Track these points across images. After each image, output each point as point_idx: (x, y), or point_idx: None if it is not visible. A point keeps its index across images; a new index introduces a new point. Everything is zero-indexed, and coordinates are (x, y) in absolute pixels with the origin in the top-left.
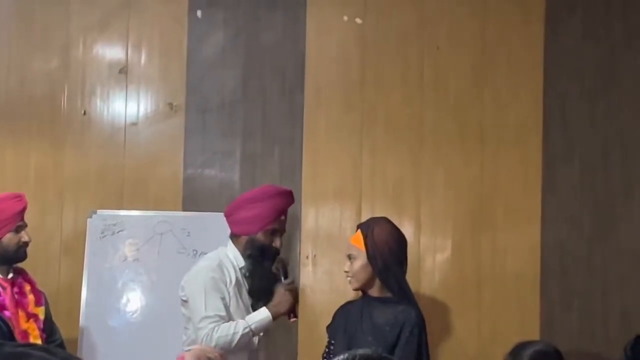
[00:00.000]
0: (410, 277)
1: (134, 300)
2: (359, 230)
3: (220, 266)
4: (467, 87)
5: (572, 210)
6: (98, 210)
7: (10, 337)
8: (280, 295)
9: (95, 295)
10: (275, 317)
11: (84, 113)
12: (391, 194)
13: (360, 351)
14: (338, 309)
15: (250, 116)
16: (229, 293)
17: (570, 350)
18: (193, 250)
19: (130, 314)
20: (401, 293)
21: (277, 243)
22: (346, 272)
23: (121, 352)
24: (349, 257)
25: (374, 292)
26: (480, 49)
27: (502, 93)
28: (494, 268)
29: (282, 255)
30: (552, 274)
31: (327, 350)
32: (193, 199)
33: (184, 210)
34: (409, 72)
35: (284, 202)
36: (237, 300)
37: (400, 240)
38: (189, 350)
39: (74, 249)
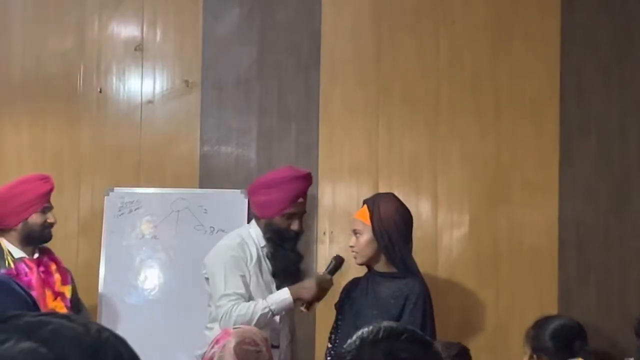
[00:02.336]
0: (427, 253)
1: (151, 278)
2: (364, 206)
3: (242, 244)
4: (483, 61)
5: (589, 183)
6: (115, 188)
7: (36, 309)
8: (309, 283)
9: (113, 273)
10: (295, 299)
11: (100, 91)
12: (407, 169)
13: (385, 323)
14: (345, 286)
15: (266, 93)
16: (249, 271)
17: (588, 325)
18: (210, 227)
19: (148, 291)
20: (405, 268)
21: (295, 226)
22: (351, 247)
23: (139, 330)
24: (355, 232)
25: (379, 267)
26: (496, 23)
27: (518, 66)
28: (511, 243)
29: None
30: (569, 248)
31: (334, 326)
32: (210, 176)
33: (200, 187)
34: (425, 46)
35: (301, 186)
36: (258, 278)
37: (405, 216)
38: (237, 328)
39: (92, 227)
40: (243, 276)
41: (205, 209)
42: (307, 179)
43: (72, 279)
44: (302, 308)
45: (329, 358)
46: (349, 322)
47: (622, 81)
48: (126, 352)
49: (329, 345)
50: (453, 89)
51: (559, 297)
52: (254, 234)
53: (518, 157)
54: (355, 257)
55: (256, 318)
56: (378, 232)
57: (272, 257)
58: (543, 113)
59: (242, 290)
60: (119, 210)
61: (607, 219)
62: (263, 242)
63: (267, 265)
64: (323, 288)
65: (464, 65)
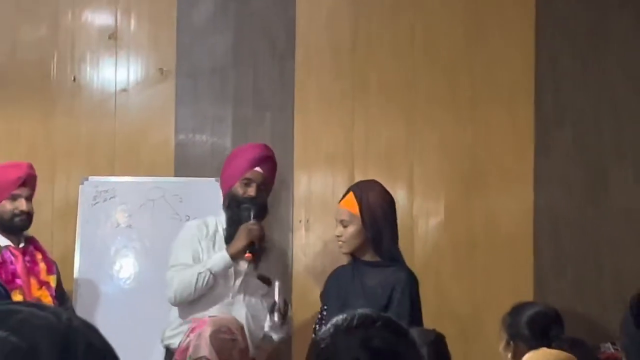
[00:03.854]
0: (403, 241)
1: (127, 267)
2: (350, 194)
3: (200, 224)
4: (459, 51)
5: (565, 172)
6: (90, 177)
7: (8, 299)
8: (238, 232)
9: (88, 262)
10: (232, 255)
11: (74, 80)
12: (383, 158)
13: (360, 311)
14: (330, 275)
15: (241, 81)
16: (202, 247)
17: (564, 311)
18: (186, 215)
19: (124, 280)
20: (392, 257)
21: (250, 192)
22: (338, 236)
23: (115, 319)
24: (342, 222)
25: (365, 256)
26: (471, 13)
27: (493, 56)
28: (487, 231)
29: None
30: (545, 236)
31: (319, 316)
32: (185, 164)
33: (176, 175)
34: (400, 36)
35: (256, 154)
36: (209, 252)
37: (392, 204)
38: (213, 317)
39: (66, 216)
40: (194, 250)
41: (180, 198)
42: (263, 149)
43: (57, 269)
44: (245, 256)
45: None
46: (335, 312)
47: (597, 71)
48: (97, 340)
49: (314, 337)
50: (429, 79)
51: (535, 285)
52: (220, 218)
53: (493, 146)
54: (341, 247)
55: (195, 280)
56: (368, 222)
57: (227, 223)
58: (518, 102)
59: (189, 262)
60: (94, 199)
61: (582, 207)
62: (224, 222)
63: (223, 242)
64: (253, 229)
65: (439, 55)
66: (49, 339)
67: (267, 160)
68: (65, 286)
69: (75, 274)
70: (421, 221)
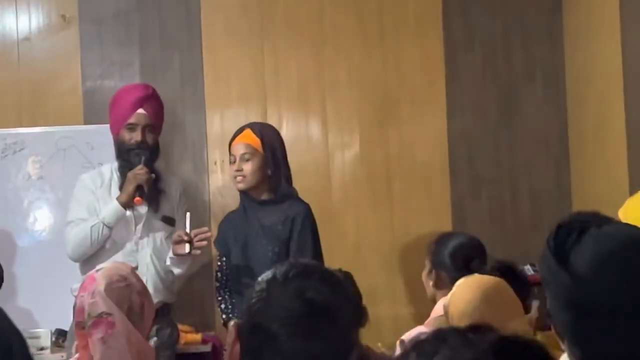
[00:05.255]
0: (319, 176)
1: (41, 219)
2: (248, 131)
3: (93, 174)
4: None
5: (477, 98)
6: None
7: None
8: (126, 180)
9: (1, 216)
10: (122, 203)
11: None
12: (296, 93)
13: (297, 261)
14: (221, 222)
15: (147, 24)
16: (97, 198)
17: (482, 236)
18: (98, 163)
19: (39, 232)
20: (287, 193)
21: (136, 137)
22: (238, 171)
23: (32, 271)
24: (243, 155)
25: (259, 194)
26: None
27: None
28: (403, 161)
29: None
30: (460, 162)
31: (219, 264)
32: (94, 111)
33: (85, 124)
34: None
35: (136, 95)
36: (106, 201)
37: (284, 144)
38: (99, 270)
39: None
40: (89, 203)
41: (92, 146)
42: (143, 89)
43: None
44: (135, 201)
45: (219, 297)
46: (236, 256)
47: None
48: (2, 325)
49: (217, 285)
50: (336, 11)
51: (452, 212)
52: (115, 163)
53: (404, 74)
54: (240, 182)
55: (89, 234)
56: (269, 158)
57: (120, 171)
58: (427, 29)
59: (85, 216)
60: (3, 152)
61: (496, 132)
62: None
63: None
64: (138, 178)
65: None
66: None
67: (149, 99)
68: None
69: None
70: (337, 154)
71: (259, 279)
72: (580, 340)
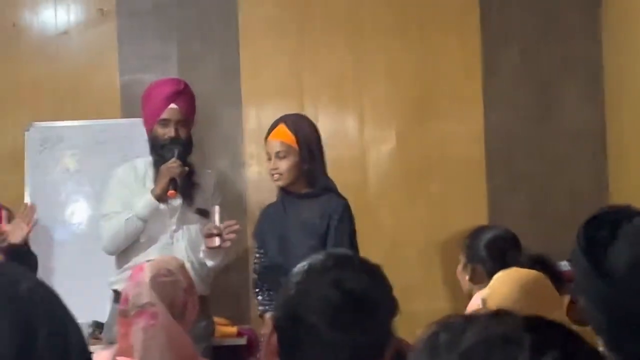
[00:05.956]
0: (355, 171)
1: (78, 212)
2: (282, 126)
3: (127, 166)
4: None
5: (514, 92)
6: (35, 123)
7: None
8: (159, 173)
9: (39, 209)
10: (156, 196)
11: (14, 25)
12: (332, 88)
13: (332, 251)
14: (260, 214)
15: (185, 18)
16: (130, 191)
17: (519, 232)
18: (136, 156)
19: (76, 225)
20: (325, 187)
21: (169, 132)
22: (275, 169)
23: (70, 264)
24: (277, 154)
25: (298, 188)
26: None
27: None
28: (439, 156)
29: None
30: (496, 157)
31: (257, 256)
32: (132, 105)
33: (123, 117)
34: None
35: (168, 91)
36: (141, 194)
37: (319, 135)
38: (150, 261)
39: (13, 164)
40: (123, 197)
41: (129, 139)
42: (175, 84)
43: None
44: (168, 194)
45: (257, 289)
46: (274, 249)
47: None
48: (60, 318)
49: (254, 276)
50: (375, 5)
51: (489, 207)
52: (149, 158)
53: (442, 69)
54: (277, 180)
55: (124, 228)
56: (305, 154)
57: (154, 166)
58: (465, 24)
59: (119, 210)
60: (41, 145)
61: (533, 127)
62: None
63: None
64: (171, 171)
65: None
66: (7, 315)
67: (181, 94)
68: None
69: None
70: (373, 150)
71: (295, 270)
72: (616, 342)
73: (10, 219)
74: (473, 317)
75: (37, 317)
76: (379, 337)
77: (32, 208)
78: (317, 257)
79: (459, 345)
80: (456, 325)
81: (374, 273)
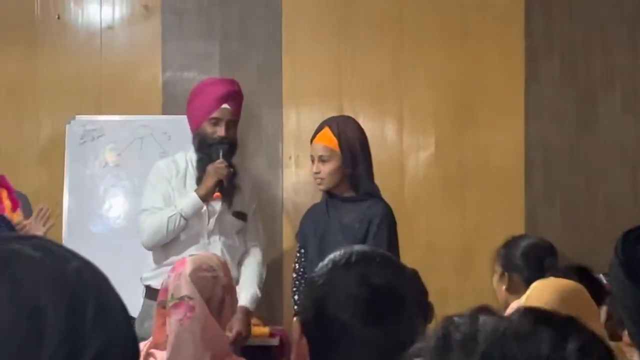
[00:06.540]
0: (393, 176)
1: (116, 206)
2: (326, 129)
3: (169, 162)
4: None
5: (555, 103)
6: (76, 116)
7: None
8: (206, 173)
9: (77, 202)
10: (201, 196)
11: (58, 18)
12: (373, 92)
13: (357, 247)
14: (304, 215)
15: (228, 17)
16: (172, 187)
17: (556, 244)
18: (175, 153)
19: (114, 219)
20: (369, 192)
21: (220, 132)
22: (317, 173)
23: (105, 258)
24: (320, 157)
25: (341, 191)
26: None
27: None
28: (478, 164)
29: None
30: (535, 168)
31: (298, 255)
32: (173, 102)
33: (163, 113)
34: None
35: (223, 90)
36: (181, 193)
37: (366, 138)
38: (193, 255)
39: (53, 156)
40: (164, 192)
41: (169, 136)
42: (230, 85)
43: (27, 206)
44: (215, 196)
45: (294, 289)
46: (313, 250)
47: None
48: (108, 297)
49: (294, 276)
50: (418, 11)
51: (526, 217)
52: (190, 154)
53: (483, 78)
54: (319, 184)
55: (166, 224)
56: (348, 158)
57: (198, 164)
58: (508, 33)
59: (160, 205)
60: (81, 139)
61: (573, 138)
62: (195, 158)
63: (194, 180)
64: (219, 172)
65: None
66: (55, 295)
67: (235, 95)
68: (55, 226)
69: (64, 214)
70: (411, 155)
71: (317, 269)
72: None
73: (25, 206)
74: (482, 313)
75: (85, 296)
76: (411, 330)
77: (48, 210)
78: (339, 255)
79: (476, 345)
80: (467, 324)
81: (397, 265)
